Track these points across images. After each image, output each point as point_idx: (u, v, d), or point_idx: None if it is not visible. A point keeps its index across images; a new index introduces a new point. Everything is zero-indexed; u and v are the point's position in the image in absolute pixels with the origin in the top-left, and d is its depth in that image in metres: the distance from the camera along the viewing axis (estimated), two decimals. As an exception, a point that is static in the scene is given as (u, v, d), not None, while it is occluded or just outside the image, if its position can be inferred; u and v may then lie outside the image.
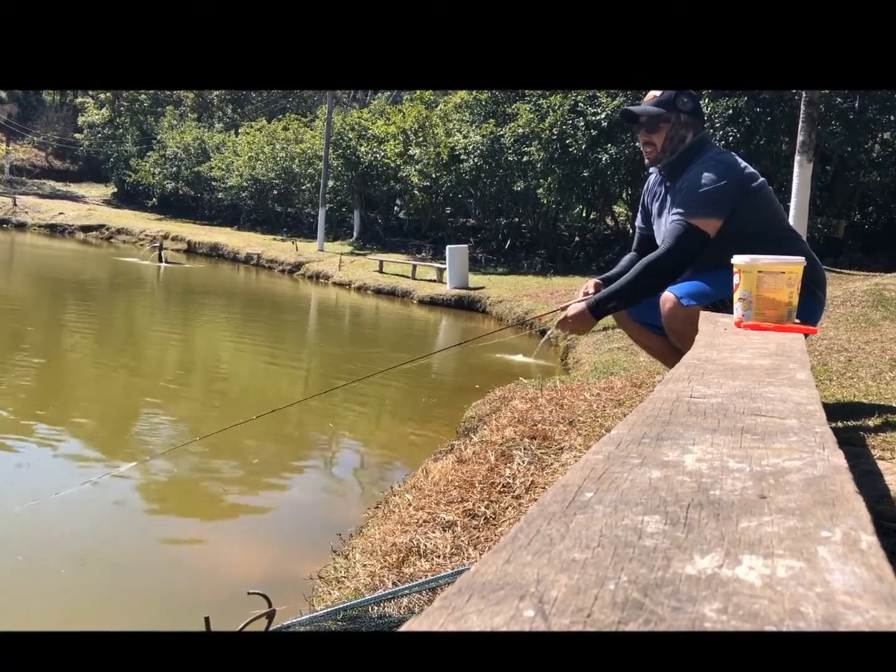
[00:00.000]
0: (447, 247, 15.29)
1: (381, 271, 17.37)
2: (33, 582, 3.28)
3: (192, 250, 23.88)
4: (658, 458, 0.86)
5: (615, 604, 0.52)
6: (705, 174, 2.67)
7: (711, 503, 0.71)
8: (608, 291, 2.75)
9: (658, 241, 2.93)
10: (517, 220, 19.93)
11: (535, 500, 2.39)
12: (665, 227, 2.86)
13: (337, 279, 17.41)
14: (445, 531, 2.72)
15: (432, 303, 14.38)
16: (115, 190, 36.31)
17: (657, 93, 2.84)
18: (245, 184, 27.28)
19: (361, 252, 21.15)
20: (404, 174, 20.41)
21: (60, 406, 6.22)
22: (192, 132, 31.35)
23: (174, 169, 31.06)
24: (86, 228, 27.70)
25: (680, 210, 2.68)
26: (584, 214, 20.79)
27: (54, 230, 27.96)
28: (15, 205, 30.04)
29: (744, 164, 2.76)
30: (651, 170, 2.99)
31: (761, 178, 2.76)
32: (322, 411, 6.67)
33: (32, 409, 5.89)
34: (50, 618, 3.00)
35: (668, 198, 2.87)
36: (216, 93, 35.97)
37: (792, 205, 9.84)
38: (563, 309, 2.93)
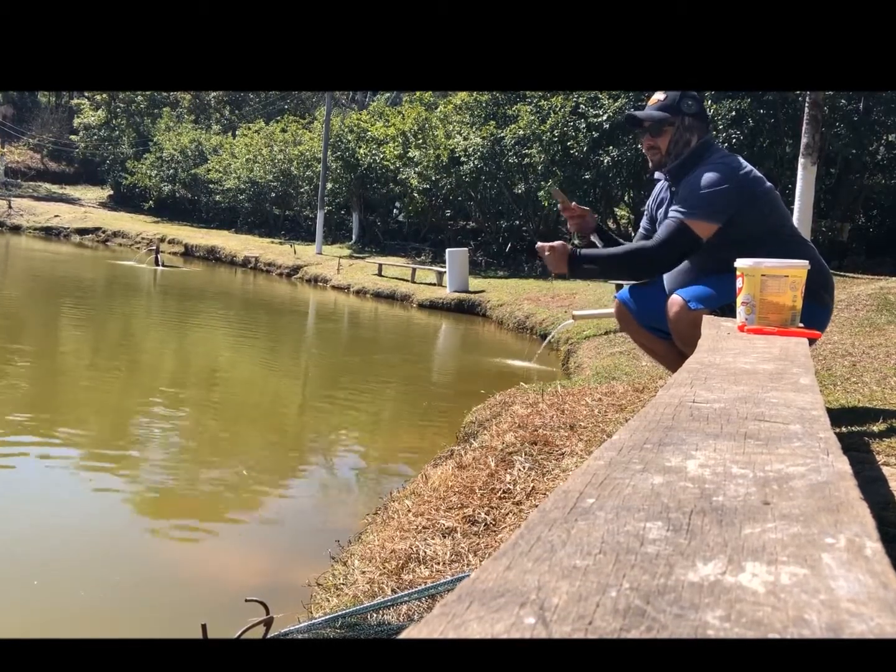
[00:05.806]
0: (447, 250, 15.29)
1: (380, 275, 17.35)
2: (33, 587, 3.26)
3: (189, 253, 23.80)
4: (660, 463, 0.86)
5: (617, 611, 0.51)
6: (707, 176, 2.66)
7: (714, 509, 0.70)
8: (593, 253, 2.79)
9: None
10: (518, 222, 19.90)
11: (536, 506, 2.39)
12: None
13: (335, 283, 17.39)
14: (445, 537, 2.71)
15: (432, 306, 14.36)
16: (112, 192, 36.10)
17: (661, 96, 2.82)
18: (243, 186, 27.20)
19: (360, 255, 21.13)
20: (404, 176, 20.38)
21: (56, 412, 6.21)
22: (188, 134, 31.22)
23: (171, 171, 30.91)
24: (81, 231, 27.58)
25: (678, 208, 2.68)
26: (584, 217, 20.73)
27: (50, 233, 27.85)
28: (10, 207, 29.93)
29: (749, 167, 2.74)
30: (657, 176, 2.97)
31: (769, 183, 2.75)
32: (321, 415, 6.67)
33: (26, 417, 5.86)
34: (48, 623, 2.99)
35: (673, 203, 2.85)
36: (213, 94, 35.89)
37: (796, 207, 9.83)
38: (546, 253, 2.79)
